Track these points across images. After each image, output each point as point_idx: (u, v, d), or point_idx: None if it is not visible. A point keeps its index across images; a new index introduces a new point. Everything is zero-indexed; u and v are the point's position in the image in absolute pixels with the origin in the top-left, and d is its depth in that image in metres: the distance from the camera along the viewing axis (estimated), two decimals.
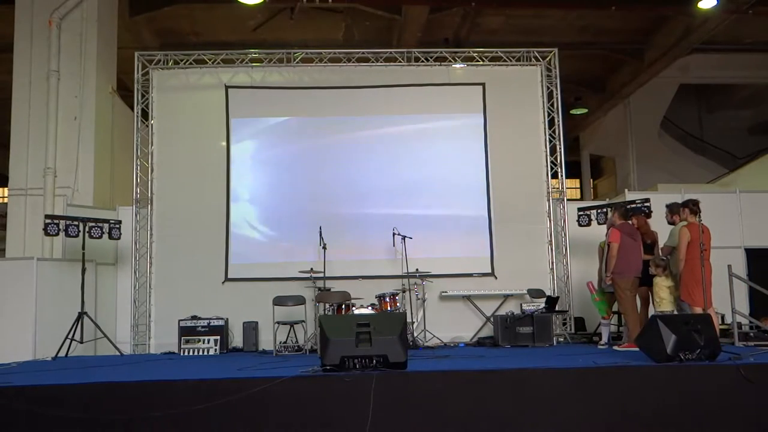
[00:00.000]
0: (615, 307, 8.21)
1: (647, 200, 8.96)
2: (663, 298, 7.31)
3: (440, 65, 10.24)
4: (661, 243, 7.91)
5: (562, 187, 10.06)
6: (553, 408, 4.95)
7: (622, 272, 7.38)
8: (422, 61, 10.19)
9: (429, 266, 9.18)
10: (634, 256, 7.47)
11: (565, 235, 9.91)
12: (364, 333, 5.12)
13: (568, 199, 10.11)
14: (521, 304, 9.14)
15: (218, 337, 8.84)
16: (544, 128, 10.10)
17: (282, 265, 9.58)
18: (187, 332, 8.88)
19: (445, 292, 9.58)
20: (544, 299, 9.00)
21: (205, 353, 8.74)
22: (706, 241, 7.12)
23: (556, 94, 10.13)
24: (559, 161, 10.01)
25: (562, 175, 10.01)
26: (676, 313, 7.26)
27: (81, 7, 10.21)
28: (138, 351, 9.38)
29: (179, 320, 8.96)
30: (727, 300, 7.61)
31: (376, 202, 9.86)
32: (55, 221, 8.60)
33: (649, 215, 8.61)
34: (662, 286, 7.31)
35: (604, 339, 8.02)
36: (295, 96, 10.18)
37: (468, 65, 10.34)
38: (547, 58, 10.23)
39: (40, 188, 9.80)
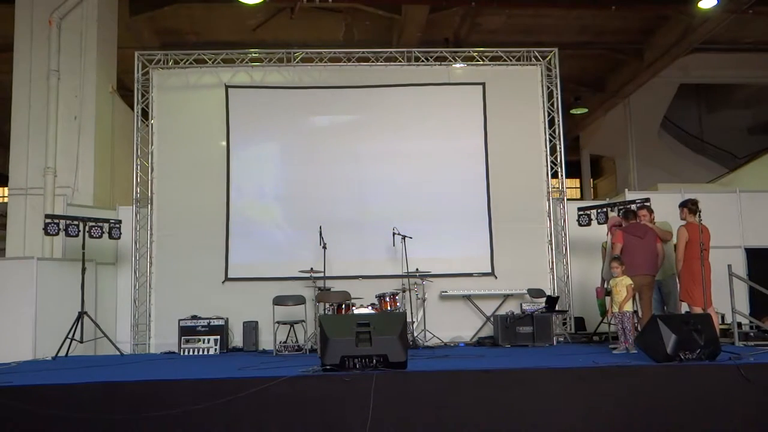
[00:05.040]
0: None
1: (647, 200, 8.96)
2: (624, 298, 6.91)
3: (440, 65, 10.24)
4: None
5: (562, 187, 10.06)
6: (553, 408, 4.95)
7: (626, 270, 7.31)
8: (422, 61, 10.19)
9: (429, 266, 9.18)
10: (639, 255, 7.39)
11: (565, 234, 9.91)
12: (364, 333, 5.12)
13: (568, 199, 10.12)
14: (521, 304, 9.14)
15: (218, 337, 8.84)
16: (544, 128, 10.10)
17: (282, 264, 9.58)
18: (187, 332, 8.88)
19: (445, 291, 9.58)
20: (544, 299, 9.00)
21: (205, 353, 8.74)
22: (706, 241, 7.11)
23: (556, 93, 10.13)
24: (559, 161, 10.02)
25: (562, 175, 10.02)
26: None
27: (81, 6, 10.21)
28: (138, 351, 9.38)
29: (179, 320, 8.96)
30: (727, 300, 7.60)
31: (376, 201, 9.86)
32: (55, 221, 8.60)
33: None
34: (622, 285, 6.98)
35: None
36: (296, 96, 10.18)
37: (468, 65, 10.34)
38: (547, 58, 10.23)
39: (40, 188, 9.80)
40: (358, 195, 9.90)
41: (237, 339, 9.26)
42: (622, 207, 8.74)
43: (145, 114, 10.03)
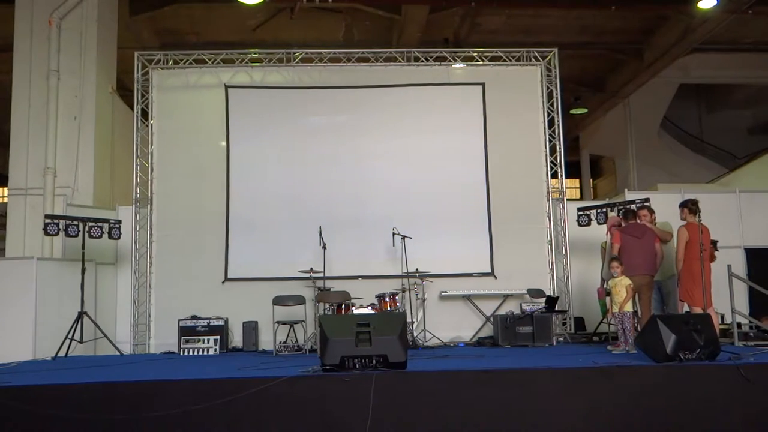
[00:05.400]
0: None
1: (647, 200, 8.96)
2: (623, 298, 6.93)
3: (440, 65, 10.24)
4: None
5: (562, 187, 10.06)
6: (553, 408, 4.95)
7: (624, 271, 7.29)
8: (422, 61, 10.19)
9: (429, 266, 9.17)
10: (637, 255, 7.39)
11: (564, 235, 9.91)
12: (364, 333, 5.12)
13: (567, 199, 10.12)
14: (521, 304, 9.14)
15: (218, 337, 8.83)
16: (544, 128, 10.10)
17: (282, 264, 9.57)
18: (186, 332, 8.87)
19: (445, 291, 9.58)
20: (543, 299, 9.00)
21: (205, 353, 8.74)
22: (706, 241, 7.11)
23: (556, 93, 10.13)
24: (558, 161, 10.02)
25: (561, 175, 10.02)
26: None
27: (81, 6, 10.21)
28: (138, 351, 9.38)
29: (179, 320, 8.95)
30: (727, 300, 7.60)
31: (375, 201, 9.86)
32: (55, 221, 8.60)
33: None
34: (621, 285, 6.99)
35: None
36: (295, 96, 10.18)
37: (468, 65, 10.34)
38: (547, 58, 10.23)
39: (39, 188, 9.80)
40: (358, 195, 9.90)
41: (237, 339, 9.26)
42: (621, 207, 8.74)
43: (144, 114, 10.03)
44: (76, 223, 8.70)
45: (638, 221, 7.69)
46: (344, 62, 10.19)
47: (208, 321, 8.93)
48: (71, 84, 10.10)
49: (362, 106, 10.16)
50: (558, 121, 10.09)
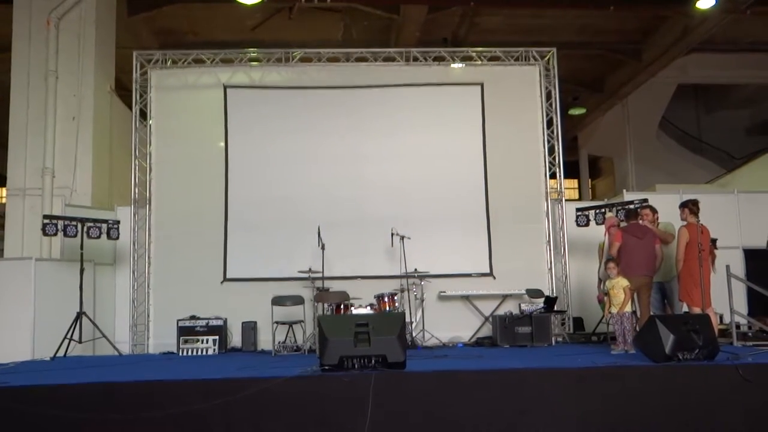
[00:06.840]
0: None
1: (645, 200, 8.97)
2: (621, 300, 6.91)
3: (439, 65, 10.25)
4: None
5: (561, 187, 10.07)
6: (552, 408, 4.95)
7: (623, 271, 7.30)
8: (421, 61, 10.19)
9: (427, 266, 9.17)
10: (637, 255, 7.39)
11: (563, 235, 9.91)
12: (363, 333, 5.13)
13: (566, 199, 10.12)
14: (520, 304, 9.14)
15: (217, 337, 8.83)
16: (543, 128, 10.11)
17: (280, 264, 9.57)
18: (185, 332, 8.87)
19: (444, 292, 9.58)
20: (542, 299, 9.01)
21: (204, 353, 8.74)
22: (705, 242, 7.12)
23: (555, 93, 10.13)
24: (557, 161, 10.02)
25: (560, 175, 10.02)
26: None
27: (79, 6, 10.19)
28: (137, 351, 9.37)
29: (178, 320, 8.94)
30: (726, 300, 7.61)
31: (374, 201, 9.86)
32: (54, 221, 8.59)
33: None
34: (619, 287, 6.98)
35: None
36: (294, 96, 10.18)
37: (466, 65, 10.34)
38: (546, 58, 10.23)
39: (38, 188, 9.79)
40: (356, 195, 9.89)
41: (236, 339, 9.25)
42: (620, 208, 8.73)
43: (143, 114, 10.02)
44: (74, 223, 8.69)
45: (640, 221, 7.69)
46: (343, 62, 10.19)
47: (206, 321, 8.92)
48: (69, 84, 10.08)
49: (361, 106, 10.15)
50: (556, 121, 10.09)
